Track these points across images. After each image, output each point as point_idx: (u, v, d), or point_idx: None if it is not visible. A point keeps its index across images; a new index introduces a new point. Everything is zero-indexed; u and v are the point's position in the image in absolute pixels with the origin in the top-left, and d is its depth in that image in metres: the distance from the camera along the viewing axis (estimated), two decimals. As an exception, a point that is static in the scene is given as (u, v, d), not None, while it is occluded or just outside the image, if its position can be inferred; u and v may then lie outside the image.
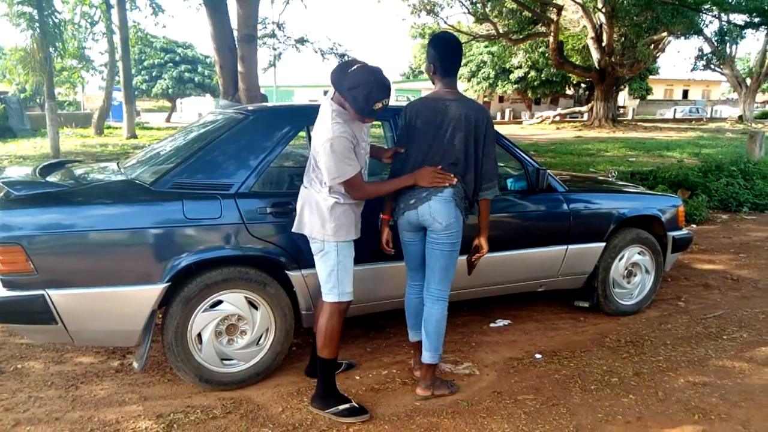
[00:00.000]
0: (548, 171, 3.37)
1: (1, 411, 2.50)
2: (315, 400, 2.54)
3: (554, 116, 31.57)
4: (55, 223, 2.39)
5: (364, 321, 3.50)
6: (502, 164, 4.13)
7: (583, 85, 35.64)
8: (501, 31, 24.28)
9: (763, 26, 13.43)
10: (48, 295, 2.35)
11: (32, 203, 2.42)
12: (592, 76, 26.54)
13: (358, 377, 2.88)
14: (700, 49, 29.61)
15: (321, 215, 2.39)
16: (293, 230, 2.52)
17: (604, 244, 3.61)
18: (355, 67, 2.27)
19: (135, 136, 18.95)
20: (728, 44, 28.78)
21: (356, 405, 2.51)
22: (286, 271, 2.72)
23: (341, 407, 2.48)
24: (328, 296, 2.46)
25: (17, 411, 2.51)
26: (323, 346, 2.47)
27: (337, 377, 2.70)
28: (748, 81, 32.20)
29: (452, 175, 2.47)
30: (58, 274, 2.38)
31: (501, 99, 41.84)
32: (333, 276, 2.44)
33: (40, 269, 2.34)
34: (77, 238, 2.40)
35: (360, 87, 2.20)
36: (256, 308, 2.70)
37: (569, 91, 38.68)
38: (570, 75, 30.64)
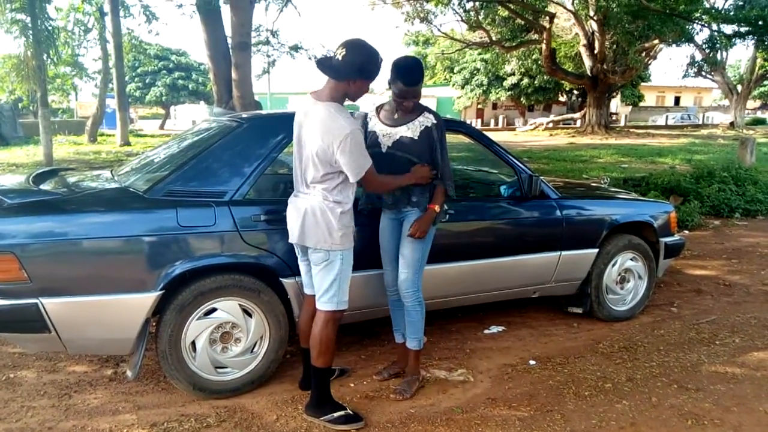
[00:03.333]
0: (541, 178, 3.40)
1: (-7, 421, 2.49)
2: (309, 408, 2.53)
3: (547, 123, 31.70)
4: (49, 232, 2.38)
5: (359, 328, 3.50)
6: (495, 171, 4.17)
7: (575, 92, 35.86)
8: (494, 38, 24.46)
9: (750, 36, 13.59)
10: (41, 303, 2.34)
11: (25, 211, 2.41)
12: (584, 83, 26.72)
13: (352, 384, 2.87)
14: (692, 57, 29.93)
15: (328, 224, 2.35)
16: (294, 242, 2.49)
17: (597, 250, 3.63)
18: (341, 51, 2.29)
19: (128, 144, 18.89)
20: (719, 52, 29.08)
21: (351, 412, 2.51)
22: (281, 279, 2.72)
23: (336, 414, 2.48)
24: (326, 305, 2.44)
25: (9, 421, 2.49)
26: (319, 355, 2.45)
27: (331, 384, 2.71)
28: (739, 88, 32.50)
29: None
30: (52, 282, 2.37)
31: (494, 106, 42.01)
32: (334, 285, 2.42)
33: (34, 277, 2.33)
34: (71, 246, 2.39)
35: (364, 57, 2.29)
36: (251, 316, 2.69)
37: (562, 98, 38.91)
38: (563, 82, 30.84)
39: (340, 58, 2.28)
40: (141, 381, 2.85)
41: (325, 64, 2.33)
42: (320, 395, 2.52)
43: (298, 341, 3.17)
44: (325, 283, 2.42)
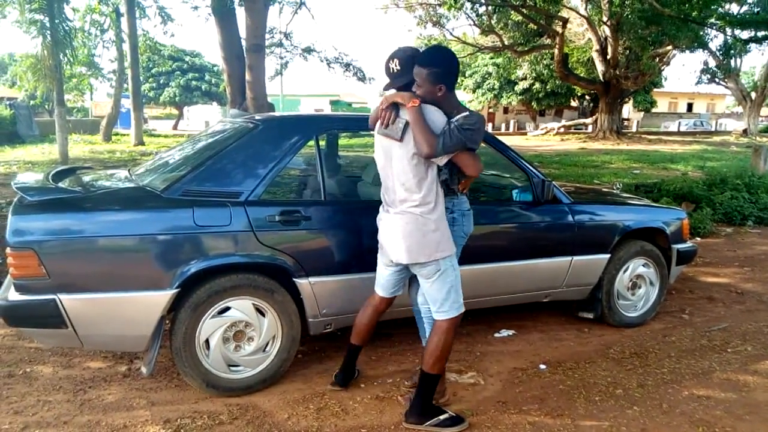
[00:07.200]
0: (553, 182, 3.40)
1: (10, 414, 2.53)
2: (412, 415, 2.49)
3: (559, 128, 31.60)
4: (68, 229, 2.43)
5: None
6: (507, 175, 4.18)
7: (587, 97, 35.73)
8: (506, 43, 24.43)
9: (767, 40, 13.43)
10: (59, 299, 2.38)
11: (45, 209, 2.46)
12: (596, 88, 26.61)
13: (363, 385, 2.89)
14: (705, 63, 29.71)
15: (433, 235, 2.32)
16: (399, 262, 2.41)
17: (608, 255, 3.62)
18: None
19: (142, 143, 19.10)
20: (733, 58, 28.82)
21: (453, 414, 2.51)
22: (294, 279, 2.74)
23: (442, 417, 2.47)
24: (447, 314, 2.39)
25: (26, 414, 2.53)
26: (436, 362, 2.41)
27: (339, 387, 2.76)
28: (753, 95, 32.15)
29: None
30: (70, 278, 2.42)
31: (506, 110, 41.97)
32: (452, 292, 2.39)
33: (52, 274, 2.38)
34: (89, 243, 2.44)
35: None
36: (264, 315, 2.72)
37: (574, 103, 38.75)
38: (575, 87, 30.71)
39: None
40: (155, 378, 2.89)
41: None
42: (426, 402, 2.49)
43: (310, 341, 3.20)
44: (443, 292, 2.39)
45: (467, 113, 2.37)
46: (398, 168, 2.34)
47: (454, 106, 2.40)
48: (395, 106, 2.35)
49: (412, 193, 2.32)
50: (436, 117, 2.31)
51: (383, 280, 2.62)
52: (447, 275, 2.37)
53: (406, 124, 2.30)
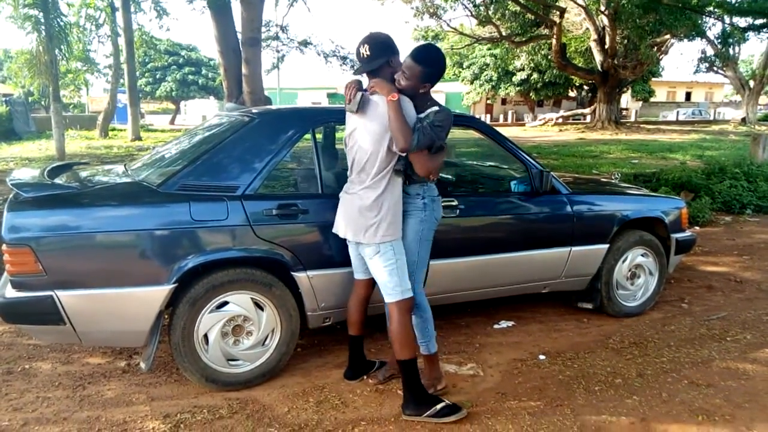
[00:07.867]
0: (552, 173, 3.39)
1: (9, 411, 2.53)
2: (408, 407, 2.49)
3: (557, 118, 31.53)
4: (64, 225, 2.42)
5: (370, 322, 3.50)
6: (506, 166, 4.17)
7: (585, 88, 35.62)
8: (504, 33, 24.31)
9: (765, 29, 13.39)
10: (57, 296, 2.38)
11: (41, 205, 2.45)
12: (594, 78, 26.52)
13: (364, 376, 2.88)
14: (703, 52, 29.61)
15: (374, 218, 2.38)
16: (346, 237, 2.52)
17: (607, 245, 3.62)
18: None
19: (139, 138, 19.03)
20: (731, 46, 28.74)
21: (450, 402, 2.50)
22: (292, 273, 2.74)
23: (439, 407, 2.46)
24: (392, 296, 2.44)
25: (26, 411, 2.53)
26: (401, 347, 2.43)
27: (339, 380, 2.73)
28: (752, 83, 32.07)
29: None
30: (67, 275, 2.41)
31: (504, 101, 41.84)
32: (394, 274, 2.42)
33: (49, 270, 2.37)
34: (85, 239, 2.43)
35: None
36: (262, 309, 2.72)
37: (572, 93, 38.65)
38: (573, 77, 30.62)
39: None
40: (154, 373, 2.89)
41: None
42: (416, 390, 2.48)
43: (309, 334, 3.20)
44: (384, 274, 2.44)
45: (437, 109, 2.42)
46: (361, 153, 2.41)
47: (427, 100, 2.47)
48: (359, 85, 2.43)
49: (368, 176, 2.40)
50: (410, 110, 2.38)
51: (353, 260, 2.66)
52: (387, 258, 2.42)
53: (362, 98, 2.38)
